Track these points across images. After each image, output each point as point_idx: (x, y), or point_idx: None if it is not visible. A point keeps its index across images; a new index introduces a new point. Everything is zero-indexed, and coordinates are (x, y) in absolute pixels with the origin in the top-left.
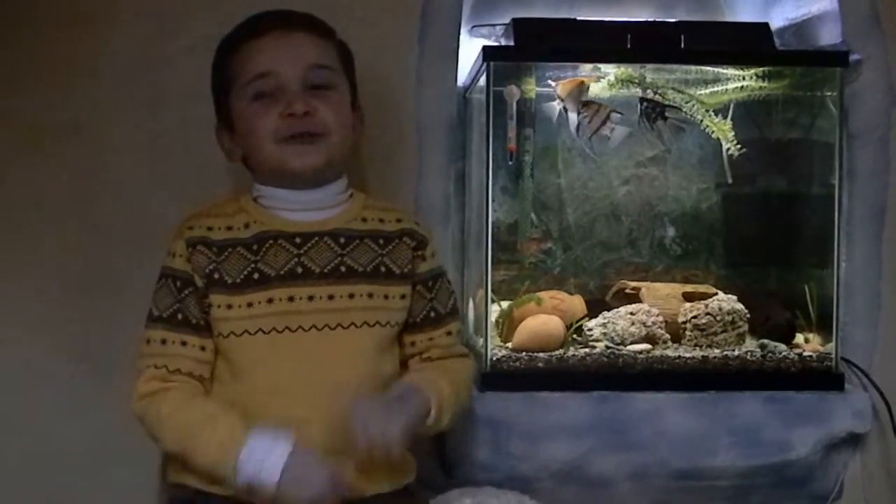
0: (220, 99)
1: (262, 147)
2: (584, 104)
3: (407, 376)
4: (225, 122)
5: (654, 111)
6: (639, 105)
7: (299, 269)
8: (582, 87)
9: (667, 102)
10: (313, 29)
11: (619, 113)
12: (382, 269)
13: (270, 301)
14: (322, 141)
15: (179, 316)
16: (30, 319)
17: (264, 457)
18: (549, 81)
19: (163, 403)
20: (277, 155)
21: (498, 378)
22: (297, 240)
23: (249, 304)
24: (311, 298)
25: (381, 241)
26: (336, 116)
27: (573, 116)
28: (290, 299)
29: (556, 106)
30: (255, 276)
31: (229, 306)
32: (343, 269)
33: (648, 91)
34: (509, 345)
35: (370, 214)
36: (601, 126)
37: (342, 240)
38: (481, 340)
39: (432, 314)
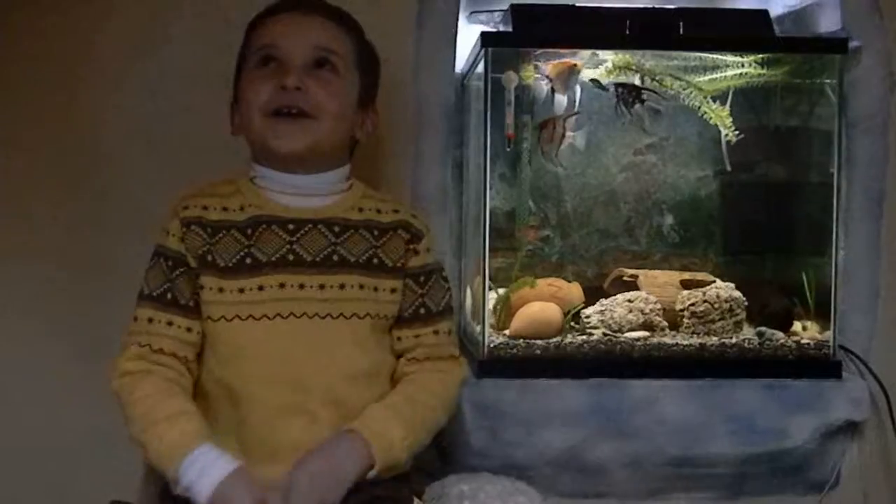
0: (237, 73)
1: (252, 118)
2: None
3: (363, 416)
4: (236, 96)
5: (630, 95)
6: (614, 90)
7: (291, 257)
8: (573, 71)
9: (642, 86)
10: (333, 17)
11: (575, 114)
12: (375, 260)
13: (262, 288)
14: (310, 123)
15: (169, 295)
16: (26, 305)
17: (202, 471)
18: (538, 63)
19: (140, 386)
20: (263, 130)
21: (495, 365)
22: (291, 226)
23: (241, 290)
24: (301, 286)
25: (376, 233)
26: (331, 101)
27: (559, 98)
28: (282, 286)
29: (545, 86)
30: (248, 260)
31: (220, 290)
32: (336, 258)
33: (623, 76)
34: (506, 332)
35: (367, 204)
36: (563, 139)
37: (336, 228)
38: (479, 327)
39: (422, 311)
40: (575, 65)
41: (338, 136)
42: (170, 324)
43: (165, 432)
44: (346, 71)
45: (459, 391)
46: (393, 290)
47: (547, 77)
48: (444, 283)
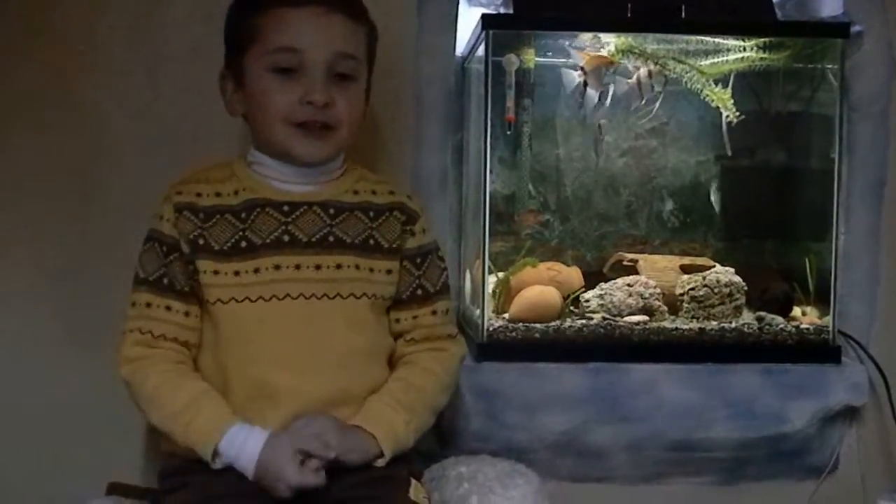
0: (233, 51)
1: (271, 125)
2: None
3: (363, 410)
4: (234, 74)
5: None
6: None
7: (286, 238)
8: (609, 68)
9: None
10: (350, 11)
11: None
12: (371, 241)
13: (257, 270)
14: (332, 134)
15: (165, 280)
16: (25, 289)
17: (241, 448)
18: (568, 46)
19: (150, 375)
20: (286, 138)
21: (494, 348)
22: (286, 208)
23: (236, 273)
24: (297, 267)
25: (372, 214)
26: (351, 111)
27: (591, 94)
28: (277, 268)
29: (577, 77)
30: (243, 244)
31: (216, 272)
32: (331, 239)
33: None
34: (506, 315)
35: (363, 187)
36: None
37: (332, 210)
38: (478, 311)
39: (419, 292)
40: (612, 61)
41: (353, 137)
42: (168, 308)
43: (192, 419)
44: (361, 71)
45: (459, 369)
46: (388, 272)
47: (581, 69)
48: (441, 262)
